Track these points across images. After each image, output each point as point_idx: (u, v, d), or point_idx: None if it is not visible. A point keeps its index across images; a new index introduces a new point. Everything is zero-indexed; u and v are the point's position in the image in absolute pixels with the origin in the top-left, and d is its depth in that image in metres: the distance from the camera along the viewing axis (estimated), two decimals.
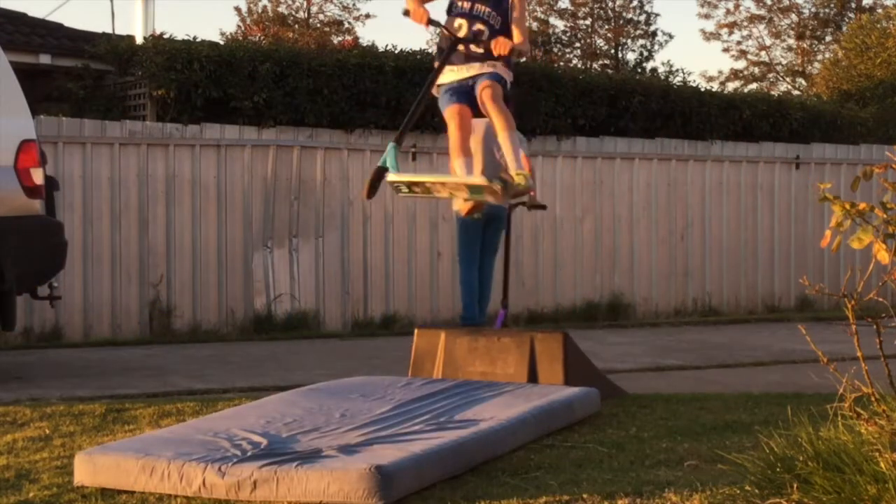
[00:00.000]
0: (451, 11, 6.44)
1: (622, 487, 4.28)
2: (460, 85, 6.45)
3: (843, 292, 3.84)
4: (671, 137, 13.78)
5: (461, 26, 6.37)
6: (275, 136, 11.65)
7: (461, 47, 6.35)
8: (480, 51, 6.38)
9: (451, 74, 6.44)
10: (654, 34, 35.24)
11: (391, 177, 6.19)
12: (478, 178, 6.26)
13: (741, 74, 34.91)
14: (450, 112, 6.48)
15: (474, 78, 6.41)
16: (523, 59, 6.37)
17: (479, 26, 6.37)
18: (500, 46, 6.26)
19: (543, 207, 8.62)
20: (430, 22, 6.32)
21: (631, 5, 35.06)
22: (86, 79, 11.92)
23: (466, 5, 6.40)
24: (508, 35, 6.36)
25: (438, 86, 6.52)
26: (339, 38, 31.23)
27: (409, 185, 6.23)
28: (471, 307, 8.24)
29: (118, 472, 4.40)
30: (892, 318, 4.01)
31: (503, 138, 6.40)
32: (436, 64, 6.42)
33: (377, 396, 5.73)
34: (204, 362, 8.89)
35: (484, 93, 6.38)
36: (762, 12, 34.27)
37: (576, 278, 13.10)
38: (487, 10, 6.39)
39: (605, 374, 6.94)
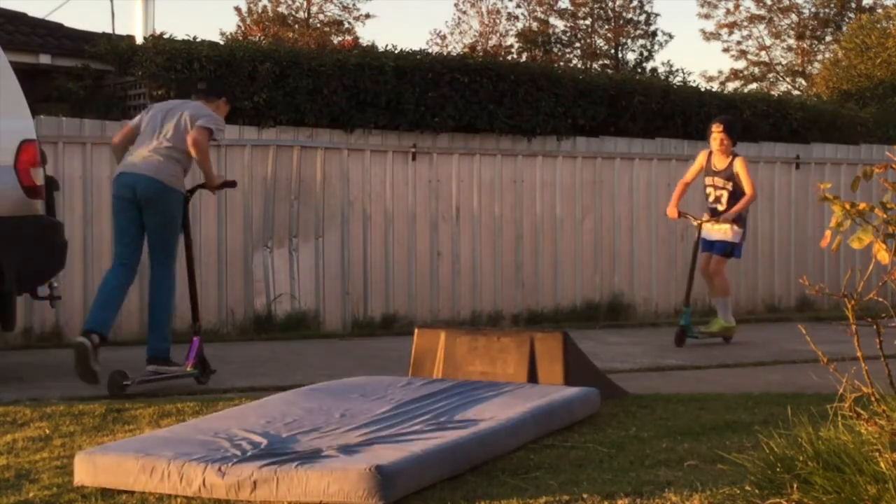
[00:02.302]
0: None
1: (622, 487, 4.29)
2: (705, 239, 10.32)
3: (843, 292, 3.84)
4: (671, 137, 13.77)
5: (710, 194, 10.35)
6: (275, 136, 11.65)
7: (711, 204, 10.35)
8: (723, 207, 10.16)
9: (706, 228, 10.27)
10: (654, 34, 35.27)
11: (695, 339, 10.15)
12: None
13: (741, 74, 34.94)
14: (701, 259, 10.41)
15: (714, 242, 10.33)
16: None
17: (719, 193, 10.22)
18: (727, 217, 10.21)
19: (233, 185, 8.26)
20: (681, 215, 10.38)
21: (631, 5, 35.09)
22: (86, 79, 11.92)
23: (710, 179, 10.30)
24: (740, 193, 10.24)
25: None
26: (339, 38, 31.25)
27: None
28: (95, 312, 7.35)
29: (118, 472, 4.40)
30: (892, 318, 4.01)
31: (715, 300, 10.89)
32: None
33: (377, 396, 5.73)
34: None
35: (711, 265, 10.33)
36: (762, 12, 34.30)
37: (576, 278, 13.10)
38: (722, 180, 10.20)
39: (605, 374, 6.94)
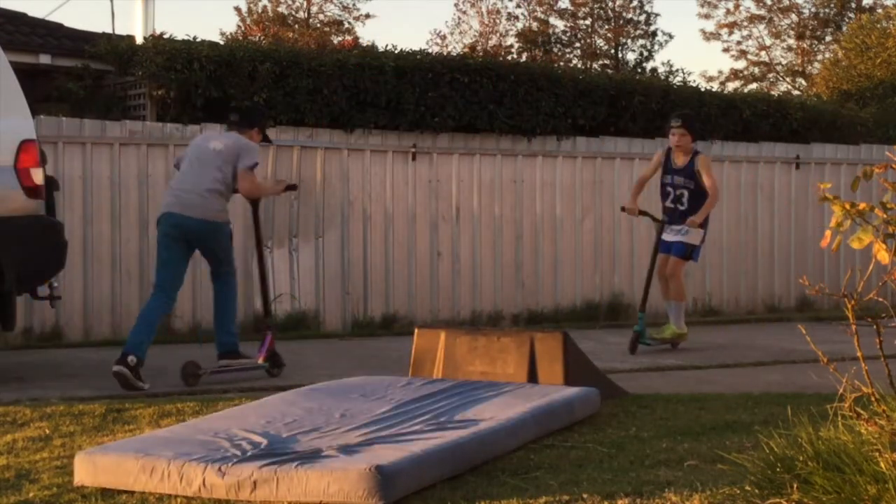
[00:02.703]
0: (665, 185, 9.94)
1: (622, 487, 4.28)
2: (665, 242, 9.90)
3: (843, 292, 3.84)
4: None
5: (670, 193, 9.80)
6: (275, 136, 11.64)
7: (670, 204, 9.84)
8: (684, 207, 9.71)
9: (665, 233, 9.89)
10: (654, 34, 35.27)
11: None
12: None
13: (741, 74, 34.93)
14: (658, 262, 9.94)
15: (673, 243, 9.80)
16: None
17: (680, 191, 9.69)
18: (694, 223, 9.51)
19: (294, 188, 8.81)
20: (642, 213, 9.88)
21: (631, 5, 35.09)
22: (86, 79, 11.92)
23: (668, 178, 9.82)
24: (702, 191, 9.66)
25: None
26: (339, 38, 31.26)
27: None
28: (134, 335, 7.67)
29: (118, 472, 4.41)
30: (892, 318, 4.01)
31: (668, 304, 10.11)
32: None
33: (377, 396, 5.73)
34: (204, 362, 8.87)
35: (669, 267, 9.81)
36: (762, 12, 34.30)
37: (576, 278, 13.10)
38: (683, 179, 9.73)
39: (605, 374, 6.94)
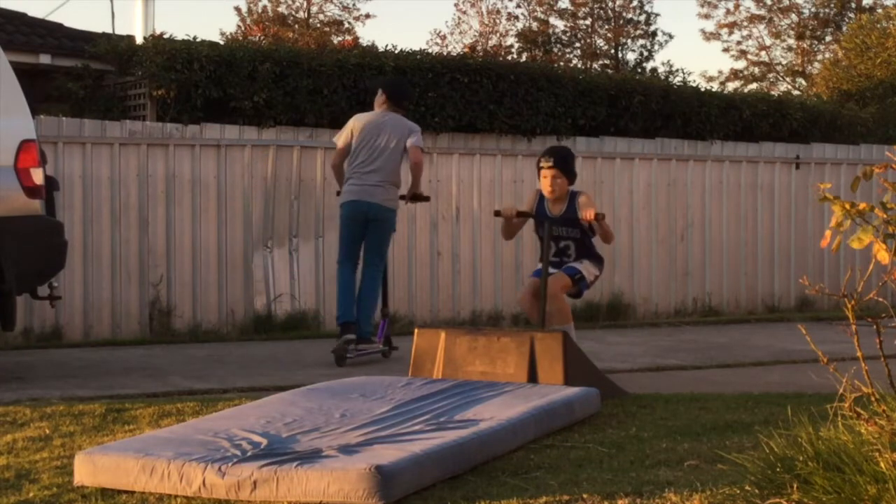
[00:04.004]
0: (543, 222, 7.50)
1: (622, 487, 4.28)
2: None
3: (843, 292, 3.83)
4: (671, 137, 13.78)
5: (551, 246, 7.45)
6: (275, 136, 11.66)
7: (556, 259, 7.53)
8: (573, 258, 7.59)
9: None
10: (654, 34, 35.27)
11: None
12: None
13: (741, 74, 34.93)
14: (527, 284, 7.73)
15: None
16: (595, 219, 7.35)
17: (564, 244, 7.54)
18: (589, 215, 7.35)
19: (426, 199, 9.47)
20: (521, 214, 7.62)
21: (631, 5, 35.08)
22: (86, 79, 11.92)
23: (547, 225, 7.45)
24: (588, 237, 7.60)
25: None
26: (339, 38, 31.24)
27: None
28: (342, 306, 8.81)
29: (118, 472, 4.40)
30: (892, 318, 4.01)
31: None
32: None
33: (377, 396, 5.73)
34: (204, 362, 8.89)
35: (552, 284, 7.31)
36: (762, 12, 34.30)
37: None
38: (566, 230, 7.52)
39: (605, 374, 6.94)
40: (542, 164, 7.46)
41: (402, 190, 9.03)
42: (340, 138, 9.06)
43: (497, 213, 7.73)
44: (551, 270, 7.31)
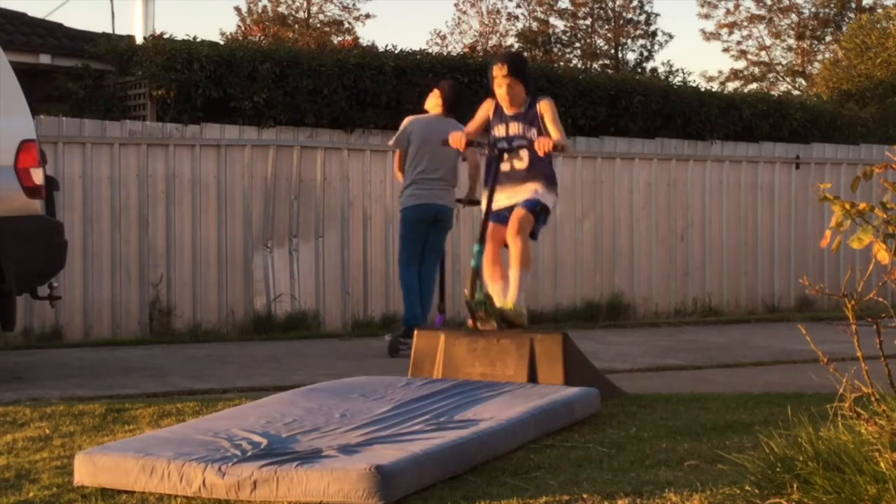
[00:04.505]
0: (493, 142, 6.91)
1: (622, 487, 4.28)
2: (501, 210, 6.78)
3: (843, 292, 3.83)
4: (671, 137, 13.79)
5: (504, 149, 6.82)
6: (275, 136, 11.66)
7: (505, 166, 6.81)
8: (524, 165, 6.80)
9: (499, 199, 6.79)
10: (654, 34, 35.26)
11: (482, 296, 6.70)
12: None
13: (741, 74, 34.93)
14: (488, 231, 6.79)
15: (515, 204, 6.77)
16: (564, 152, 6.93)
17: (518, 143, 6.82)
18: (542, 145, 6.65)
19: (479, 203, 9.12)
20: (469, 143, 6.95)
21: (631, 5, 35.08)
22: (86, 79, 11.92)
23: (502, 129, 6.86)
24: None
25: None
26: (339, 38, 31.23)
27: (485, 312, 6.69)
28: (412, 308, 9.00)
29: (118, 472, 4.40)
30: (892, 318, 4.01)
31: (514, 273, 6.72)
32: (483, 192, 6.95)
33: (377, 396, 5.73)
34: (204, 362, 8.89)
35: (513, 223, 6.66)
36: (762, 12, 34.30)
37: (576, 278, 13.10)
38: (521, 126, 6.82)
39: (605, 374, 6.94)
40: (494, 73, 6.83)
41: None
42: (396, 142, 9.13)
43: (445, 143, 7.09)
44: (507, 203, 6.74)
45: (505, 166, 6.81)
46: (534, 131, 6.79)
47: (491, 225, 6.74)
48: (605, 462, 4.81)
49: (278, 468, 4.21)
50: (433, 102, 9.19)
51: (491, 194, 6.75)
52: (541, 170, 6.84)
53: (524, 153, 6.81)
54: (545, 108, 6.86)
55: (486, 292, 6.68)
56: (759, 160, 14.20)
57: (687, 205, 13.76)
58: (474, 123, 7.05)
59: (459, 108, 9.23)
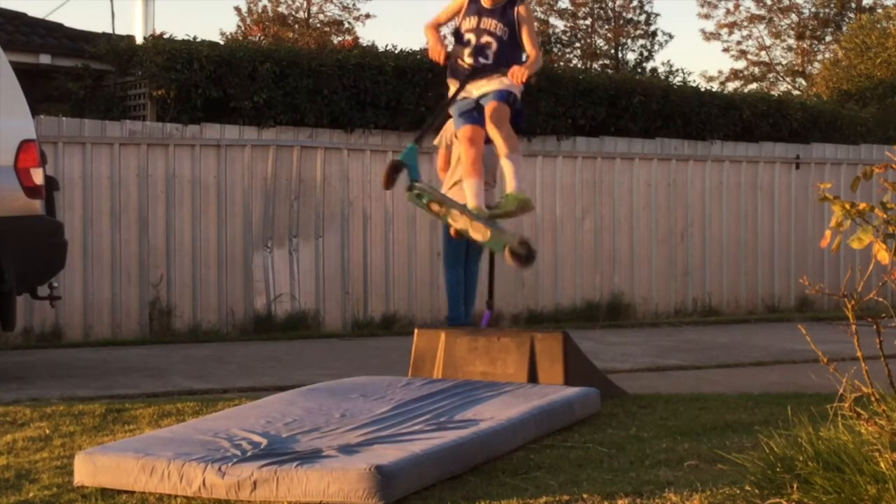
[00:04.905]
0: (460, 34, 6.55)
1: (622, 487, 4.28)
2: (470, 104, 6.50)
3: (843, 292, 3.83)
4: (671, 137, 13.79)
5: (469, 41, 6.46)
6: (275, 136, 11.66)
7: (469, 59, 6.46)
8: (489, 61, 6.48)
9: (462, 93, 6.52)
10: (654, 34, 35.23)
11: (417, 188, 6.51)
12: (506, 236, 6.83)
13: (741, 74, 34.89)
14: (462, 133, 6.58)
15: (484, 96, 6.47)
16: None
17: (486, 39, 6.45)
18: (517, 76, 6.33)
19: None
20: (448, 57, 6.51)
21: (631, 5, 35.05)
22: (86, 79, 11.92)
23: (473, 21, 6.49)
24: (516, 46, 6.46)
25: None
26: (339, 38, 31.22)
27: (430, 202, 6.55)
28: (456, 307, 9.00)
29: (118, 472, 4.40)
30: (892, 318, 4.01)
31: (505, 161, 6.55)
32: (450, 86, 6.56)
33: (377, 396, 5.73)
34: (204, 362, 8.89)
35: (490, 116, 6.43)
36: (762, 12, 34.26)
37: (576, 278, 13.10)
38: (494, 22, 6.47)
39: (605, 374, 6.94)
40: None
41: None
42: (442, 142, 9.14)
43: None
44: (477, 94, 6.46)
45: (469, 60, 6.47)
46: (507, 32, 6.43)
47: (469, 128, 6.52)
48: (605, 462, 4.81)
49: (278, 468, 4.21)
50: None
51: (455, 95, 6.49)
52: (504, 61, 6.45)
53: (493, 50, 6.46)
54: (525, 14, 6.48)
55: (422, 186, 6.64)
56: (759, 160, 14.20)
57: (687, 205, 13.76)
58: (446, 14, 6.66)
59: None
